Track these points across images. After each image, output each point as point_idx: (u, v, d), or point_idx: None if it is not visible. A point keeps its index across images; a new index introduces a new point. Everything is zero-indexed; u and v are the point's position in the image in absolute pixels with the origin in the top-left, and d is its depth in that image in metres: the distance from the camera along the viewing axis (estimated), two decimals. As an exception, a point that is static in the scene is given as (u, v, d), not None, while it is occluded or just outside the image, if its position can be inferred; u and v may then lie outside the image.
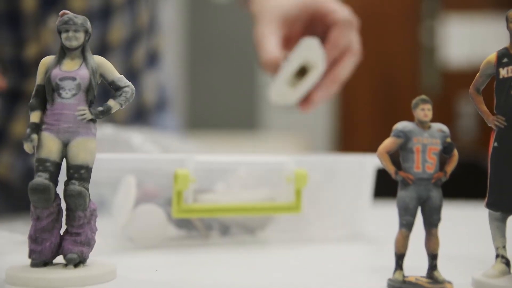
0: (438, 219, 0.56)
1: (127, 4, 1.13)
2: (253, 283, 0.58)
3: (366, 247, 0.80)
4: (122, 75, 0.57)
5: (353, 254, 0.76)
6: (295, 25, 0.90)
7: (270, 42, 0.86)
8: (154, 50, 1.24)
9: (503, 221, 0.57)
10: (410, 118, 0.58)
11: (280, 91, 0.86)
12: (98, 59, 0.56)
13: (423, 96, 0.56)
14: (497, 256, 0.56)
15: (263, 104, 3.58)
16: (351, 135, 3.58)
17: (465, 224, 0.95)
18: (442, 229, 0.57)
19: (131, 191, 0.74)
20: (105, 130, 0.86)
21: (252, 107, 3.60)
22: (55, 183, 0.55)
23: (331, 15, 0.88)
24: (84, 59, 0.56)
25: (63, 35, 0.55)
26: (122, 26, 1.12)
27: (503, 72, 0.56)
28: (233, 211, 0.76)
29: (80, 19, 0.55)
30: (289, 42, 0.90)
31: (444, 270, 0.56)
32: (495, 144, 0.56)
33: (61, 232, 0.56)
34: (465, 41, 3.44)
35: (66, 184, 0.55)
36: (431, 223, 0.56)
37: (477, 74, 0.57)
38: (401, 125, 0.56)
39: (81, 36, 0.55)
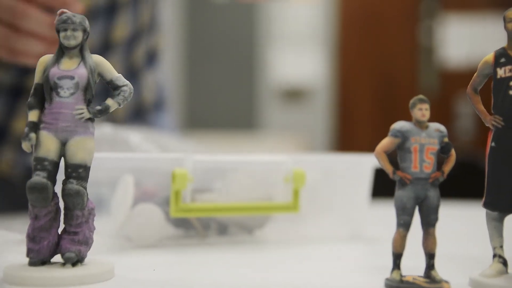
0: (436, 219, 0.56)
1: (131, 2, 1.13)
2: (251, 283, 0.58)
3: (363, 247, 0.81)
4: (120, 74, 0.57)
5: (351, 254, 0.76)
6: None
7: None
8: (154, 49, 1.24)
9: (501, 221, 0.57)
10: (408, 117, 0.58)
11: None
12: (97, 58, 0.56)
13: (421, 96, 0.56)
14: (494, 255, 0.57)
15: (262, 104, 3.58)
16: (349, 135, 3.58)
17: (463, 224, 0.95)
18: (440, 229, 0.57)
19: (129, 191, 0.74)
20: (103, 129, 0.86)
21: (250, 107, 3.60)
22: (53, 182, 0.55)
23: None
24: (83, 58, 0.56)
25: (61, 34, 0.55)
26: (126, 24, 1.12)
27: (500, 72, 0.56)
28: (231, 211, 0.76)
29: (78, 18, 0.55)
30: None
31: (441, 269, 0.56)
32: (493, 144, 0.56)
33: (59, 231, 0.56)
34: (464, 41, 3.44)
35: (64, 183, 0.55)
36: (429, 223, 0.56)
37: (475, 74, 0.58)
38: (399, 125, 0.56)
39: (79, 35, 0.55)
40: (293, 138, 3.28)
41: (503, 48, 0.57)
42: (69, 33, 0.55)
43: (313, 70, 3.57)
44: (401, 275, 0.55)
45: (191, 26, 3.57)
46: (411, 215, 0.55)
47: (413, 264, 0.57)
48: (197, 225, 0.77)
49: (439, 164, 0.57)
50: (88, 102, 0.55)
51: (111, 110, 0.56)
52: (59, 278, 0.53)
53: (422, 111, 0.56)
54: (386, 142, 0.56)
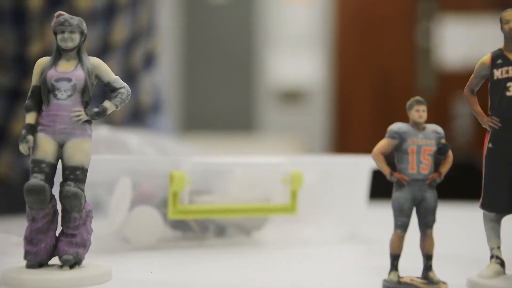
0: (433, 220, 0.56)
1: (130, 5, 1.13)
2: (249, 284, 0.58)
3: (361, 248, 0.81)
4: (117, 76, 0.57)
5: (349, 255, 0.77)
6: None
7: None
8: (151, 52, 1.24)
9: (498, 222, 0.57)
10: (406, 119, 0.58)
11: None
12: (94, 60, 0.56)
13: (418, 97, 0.57)
14: (491, 256, 0.57)
15: (260, 105, 3.58)
16: (347, 136, 3.58)
17: (460, 225, 0.95)
18: (437, 230, 0.57)
19: (126, 193, 0.74)
20: (101, 131, 0.86)
21: (248, 108, 3.60)
22: (51, 184, 0.55)
23: None
24: (80, 60, 0.56)
25: (59, 36, 0.55)
26: (124, 27, 1.12)
27: (497, 73, 0.56)
28: (228, 213, 0.76)
29: (75, 20, 0.55)
30: None
31: (439, 270, 0.56)
32: (490, 145, 0.56)
33: (57, 233, 0.56)
34: (461, 42, 3.45)
35: (62, 185, 0.55)
36: (426, 224, 0.56)
37: (472, 75, 0.58)
38: (396, 126, 0.56)
39: (76, 37, 0.55)
40: (291, 139, 3.28)
41: (500, 50, 0.57)
42: (66, 35, 0.55)
43: (311, 71, 3.57)
44: (398, 276, 0.55)
45: (188, 28, 3.57)
46: (408, 217, 0.55)
47: (411, 265, 0.57)
48: (195, 227, 0.77)
49: (436, 165, 0.57)
50: (85, 104, 0.56)
51: (109, 112, 0.56)
52: (56, 280, 0.53)
53: (419, 112, 0.56)
54: (383, 144, 0.56)
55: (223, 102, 3.58)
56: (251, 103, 3.60)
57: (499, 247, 0.57)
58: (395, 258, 0.56)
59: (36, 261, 0.55)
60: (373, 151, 0.56)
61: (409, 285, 0.54)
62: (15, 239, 0.74)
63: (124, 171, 0.76)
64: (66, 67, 0.55)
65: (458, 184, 1.43)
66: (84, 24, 0.56)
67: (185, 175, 0.72)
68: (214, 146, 2.71)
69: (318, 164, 0.87)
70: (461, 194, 1.26)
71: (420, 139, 0.56)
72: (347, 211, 0.86)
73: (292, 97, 3.57)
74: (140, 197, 0.76)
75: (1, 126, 1.07)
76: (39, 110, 0.56)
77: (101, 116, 0.56)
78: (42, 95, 0.55)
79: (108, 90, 0.57)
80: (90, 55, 0.57)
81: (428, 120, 0.57)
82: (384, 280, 0.55)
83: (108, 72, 0.56)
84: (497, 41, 0.58)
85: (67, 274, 0.54)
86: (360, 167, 0.85)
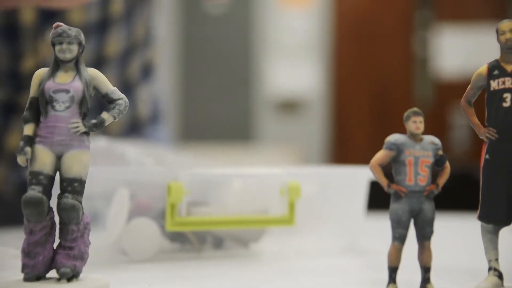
0: (431, 232, 0.56)
1: (124, 17, 1.13)
2: (246, 296, 0.58)
3: (359, 260, 0.80)
4: (115, 88, 0.57)
5: (347, 267, 0.76)
6: None
7: None
8: (149, 63, 1.24)
9: (495, 233, 0.57)
10: (404, 129, 0.58)
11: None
12: (92, 72, 0.56)
13: (415, 109, 0.57)
14: (489, 268, 0.56)
15: (257, 115, 3.59)
16: (345, 146, 3.58)
17: (458, 236, 0.95)
18: (435, 242, 0.57)
19: (124, 204, 0.74)
20: (99, 143, 0.86)
21: (246, 118, 3.60)
22: (49, 196, 0.55)
23: None
24: (78, 71, 0.56)
25: (57, 48, 0.55)
26: (119, 39, 1.12)
27: (494, 85, 0.56)
28: (226, 224, 0.76)
29: (74, 31, 0.55)
30: None
31: (437, 283, 0.56)
32: (487, 156, 0.56)
33: (54, 246, 0.56)
34: (458, 52, 3.46)
35: (60, 197, 0.55)
36: (424, 236, 0.56)
37: (468, 86, 0.58)
38: (393, 138, 0.56)
39: (74, 48, 0.55)
40: (289, 149, 3.28)
41: (496, 61, 0.57)
42: (64, 46, 0.55)
43: (309, 81, 3.58)
44: (397, 288, 0.55)
45: (186, 38, 3.58)
46: (406, 228, 0.55)
47: (409, 278, 0.57)
48: (192, 239, 0.77)
49: (434, 176, 0.57)
50: (83, 116, 0.55)
51: (107, 123, 0.56)
52: (54, 293, 0.53)
53: (416, 123, 0.56)
54: (380, 155, 0.56)
55: (221, 112, 3.58)
56: (249, 113, 3.60)
57: (497, 259, 0.57)
58: (393, 271, 0.56)
59: (34, 274, 0.55)
60: (371, 163, 0.56)
61: (407, 297, 0.54)
62: (13, 251, 0.74)
63: (122, 183, 0.76)
64: (64, 78, 0.55)
65: (456, 195, 1.43)
66: (82, 35, 0.56)
67: (183, 186, 0.72)
68: (212, 156, 2.71)
69: (316, 175, 0.87)
70: (459, 205, 1.26)
71: (418, 150, 0.56)
72: (345, 222, 0.86)
73: (290, 107, 3.58)
74: (138, 209, 0.76)
75: None
76: (37, 122, 0.55)
77: (99, 127, 0.56)
78: (40, 107, 0.55)
79: (106, 102, 0.57)
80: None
81: (426, 130, 0.57)
82: (382, 292, 0.55)
83: (106, 83, 0.56)
84: (495, 51, 0.59)
85: (65, 287, 0.54)
86: (358, 178, 0.85)
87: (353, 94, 3.59)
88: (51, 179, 0.55)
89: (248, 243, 0.81)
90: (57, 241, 0.56)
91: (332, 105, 3.60)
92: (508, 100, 0.56)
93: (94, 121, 0.55)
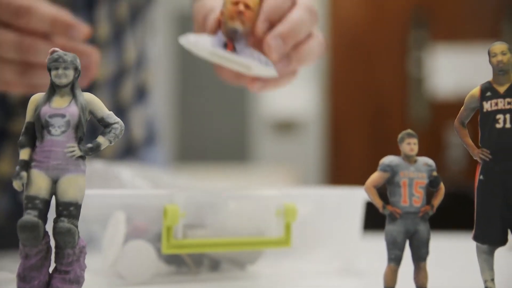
0: (426, 253, 0.56)
1: (111, 40, 1.14)
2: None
3: (356, 281, 0.80)
4: (111, 112, 0.57)
5: (343, 288, 0.76)
6: None
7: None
8: (143, 85, 1.25)
9: (491, 254, 0.57)
10: (399, 149, 0.58)
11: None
12: (88, 96, 0.57)
13: (409, 131, 0.57)
14: (485, 289, 0.57)
15: (254, 136, 3.59)
16: (341, 167, 3.59)
17: (454, 256, 0.95)
18: (431, 262, 0.57)
19: (120, 228, 0.74)
20: (94, 166, 0.86)
21: (242, 139, 3.61)
22: (44, 220, 0.55)
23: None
24: (74, 96, 0.56)
25: (53, 73, 0.56)
26: (107, 62, 1.13)
27: (486, 106, 0.57)
28: (223, 246, 0.76)
29: (69, 56, 0.56)
30: None
31: (433, 303, 0.56)
32: (481, 177, 0.57)
33: (50, 270, 0.56)
34: (453, 72, 3.48)
35: (55, 221, 0.55)
36: (420, 257, 0.56)
37: (462, 108, 0.58)
38: (388, 160, 0.57)
39: (70, 73, 0.56)
40: (285, 170, 3.28)
41: (489, 82, 0.58)
42: (60, 71, 0.56)
43: (305, 101, 3.59)
44: (393, 310, 0.55)
45: (181, 58, 3.59)
46: (402, 250, 0.56)
47: (405, 299, 0.57)
48: (189, 262, 0.77)
49: (428, 197, 0.57)
50: (79, 140, 0.56)
51: (103, 147, 0.56)
52: (49, 318, 0.53)
53: (410, 145, 0.57)
54: (375, 177, 0.57)
55: (217, 132, 3.59)
56: (246, 133, 3.61)
57: (492, 279, 0.57)
58: (389, 292, 0.56)
59: (29, 298, 0.55)
60: (366, 184, 0.57)
61: (403, 318, 0.54)
62: (8, 276, 0.74)
63: (117, 206, 0.76)
64: (60, 103, 0.56)
65: (452, 214, 1.44)
66: (78, 60, 0.57)
67: (179, 209, 0.72)
68: (208, 177, 2.71)
69: (311, 196, 0.87)
70: (454, 224, 1.26)
71: (412, 172, 0.56)
72: (341, 243, 0.86)
73: (286, 127, 3.59)
74: (134, 232, 0.76)
75: None
76: (33, 146, 0.56)
77: (95, 151, 0.56)
78: (36, 131, 0.55)
79: (101, 126, 0.57)
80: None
81: (422, 149, 0.57)
82: (379, 314, 0.55)
83: (101, 107, 0.57)
84: (489, 70, 0.59)
85: (60, 312, 0.54)
86: (354, 198, 0.85)
87: (349, 114, 3.60)
88: (47, 203, 0.55)
89: (245, 265, 0.81)
90: (52, 265, 0.56)
91: (328, 125, 3.61)
92: (501, 121, 0.56)
93: (90, 145, 0.56)
